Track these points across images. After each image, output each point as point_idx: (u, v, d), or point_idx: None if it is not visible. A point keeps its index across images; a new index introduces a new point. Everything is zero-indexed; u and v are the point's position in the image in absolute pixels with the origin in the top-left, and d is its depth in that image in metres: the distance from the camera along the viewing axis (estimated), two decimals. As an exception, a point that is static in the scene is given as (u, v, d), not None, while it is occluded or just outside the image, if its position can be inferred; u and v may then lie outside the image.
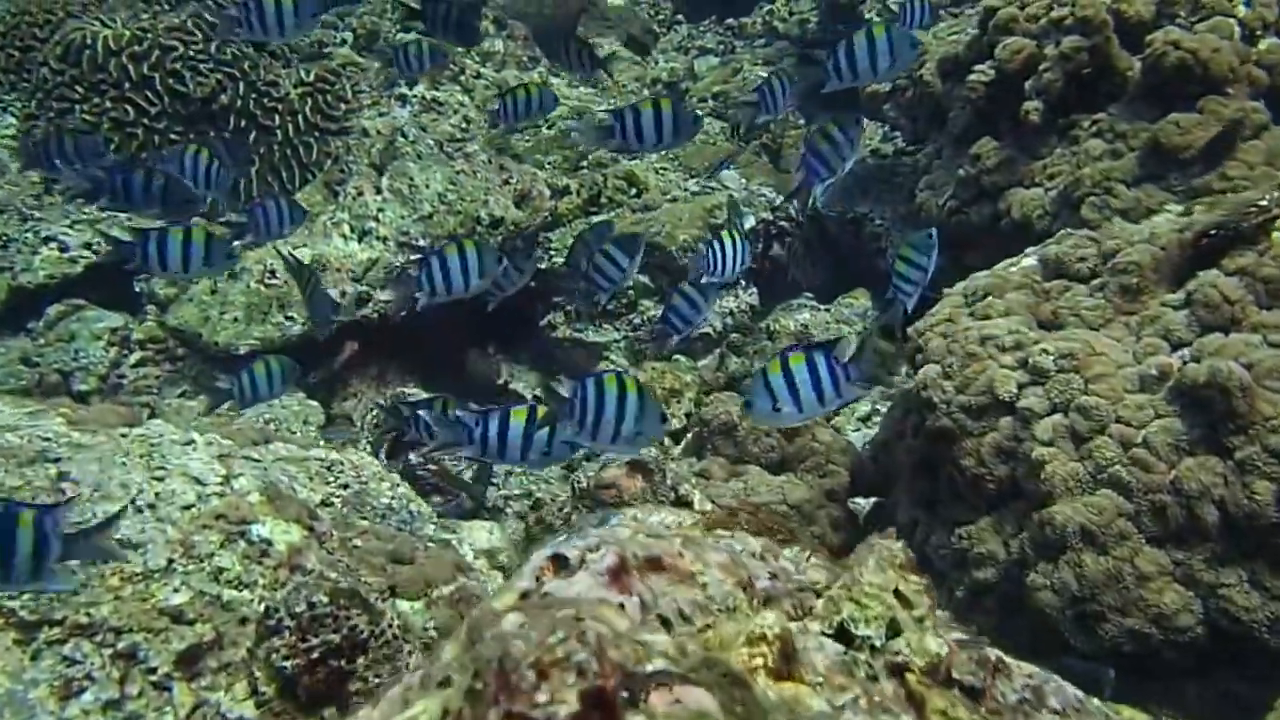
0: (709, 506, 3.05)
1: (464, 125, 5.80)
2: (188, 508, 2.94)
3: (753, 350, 4.20)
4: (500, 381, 5.01)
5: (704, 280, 3.39)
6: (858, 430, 3.92)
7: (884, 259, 4.71)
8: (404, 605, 3.02)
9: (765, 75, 3.82)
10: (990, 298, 2.86)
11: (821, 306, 4.39)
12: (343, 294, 4.52)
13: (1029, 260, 3.00)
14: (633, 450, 2.41)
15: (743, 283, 5.20)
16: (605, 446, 2.30)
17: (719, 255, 3.32)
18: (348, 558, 3.08)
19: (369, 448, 4.31)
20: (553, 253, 5.09)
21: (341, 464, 3.36)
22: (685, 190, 5.28)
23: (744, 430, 3.16)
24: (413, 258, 4.34)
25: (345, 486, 3.31)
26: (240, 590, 2.81)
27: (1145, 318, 2.59)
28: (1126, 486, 2.35)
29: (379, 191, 4.75)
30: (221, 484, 3.06)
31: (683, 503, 3.09)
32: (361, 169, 4.90)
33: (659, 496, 3.04)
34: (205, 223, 3.66)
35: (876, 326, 4.33)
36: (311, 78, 5.64)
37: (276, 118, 5.54)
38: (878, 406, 4.00)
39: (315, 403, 4.45)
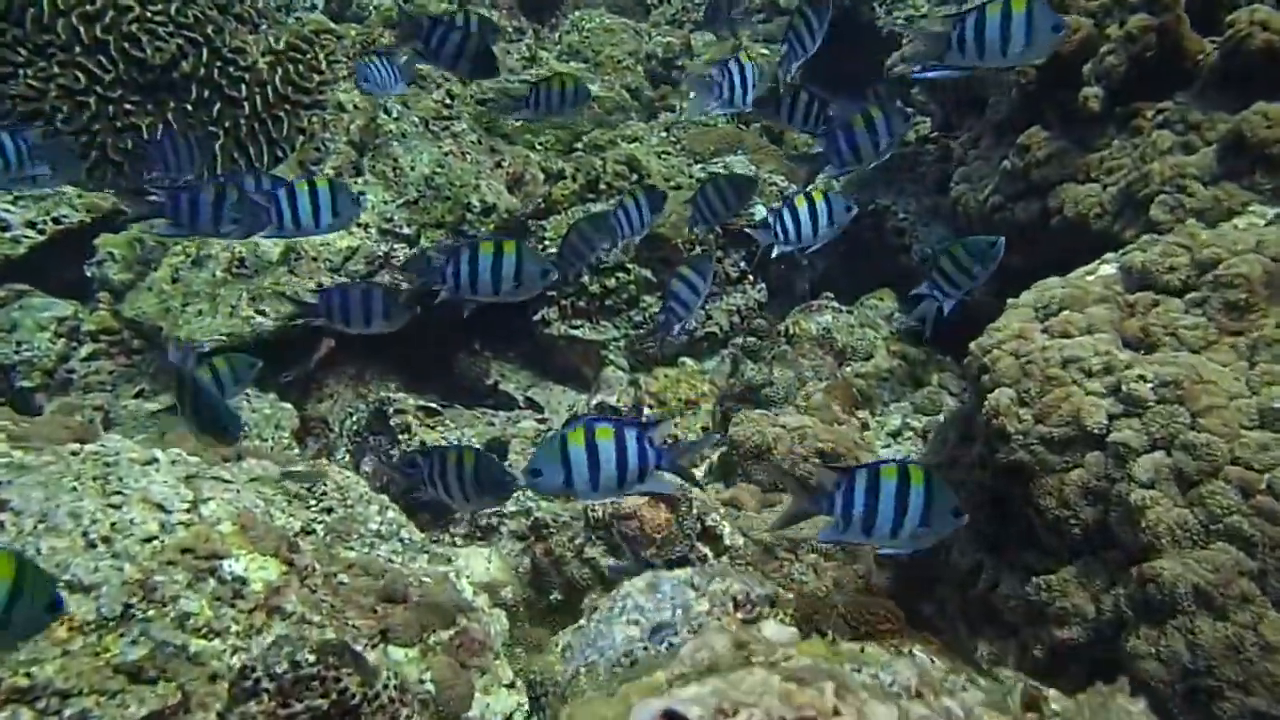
0: (740, 541, 2.71)
1: (448, 101, 5.37)
2: (149, 540, 2.56)
3: (770, 355, 3.85)
4: (490, 382, 4.63)
5: (775, 254, 3.00)
6: (887, 446, 3.59)
7: (909, 256, 4.37)
8: (398, 653, 2.66)
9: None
10: (1068, 311, 2.53)
11: (844, 309, 4.05)
12: (319, 284, 4.10)
13: (1108, 269, 2.67)
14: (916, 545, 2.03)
15: (750, 278, 4.86)
16: (885, 542, 1.94)
17: (792, 220, 2.90)
18: (333, 597, 2.71)
19: (348, 457, 3.92)
20: (547, 243, 4.70)
21: (324, 483, 2.97)
22: (690, 176, 4.91)
23: (779, 454, 2.81)
24: (443, 243, 3.92)
25: (328, 511, 2.93)
26: (210, 639, 2.44)
27: (1258, 340, 2.27)
28: (1248, 540, 2.03)
29: (359, 173, 4.34)
30: (188, 511, 2.68)
31: (711, 536, 2.74)
32: (339, 147, 4.47)
33: (685, 530, 2.69)
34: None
35: (903, 328, 4.00)
36: (282, 45, 5.19)
37: (243, 88, 5.09)
38: (909, 421, 3.67)
39: (288, 405, 4.04)
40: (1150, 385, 2.24)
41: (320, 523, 2.89)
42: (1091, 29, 3.45)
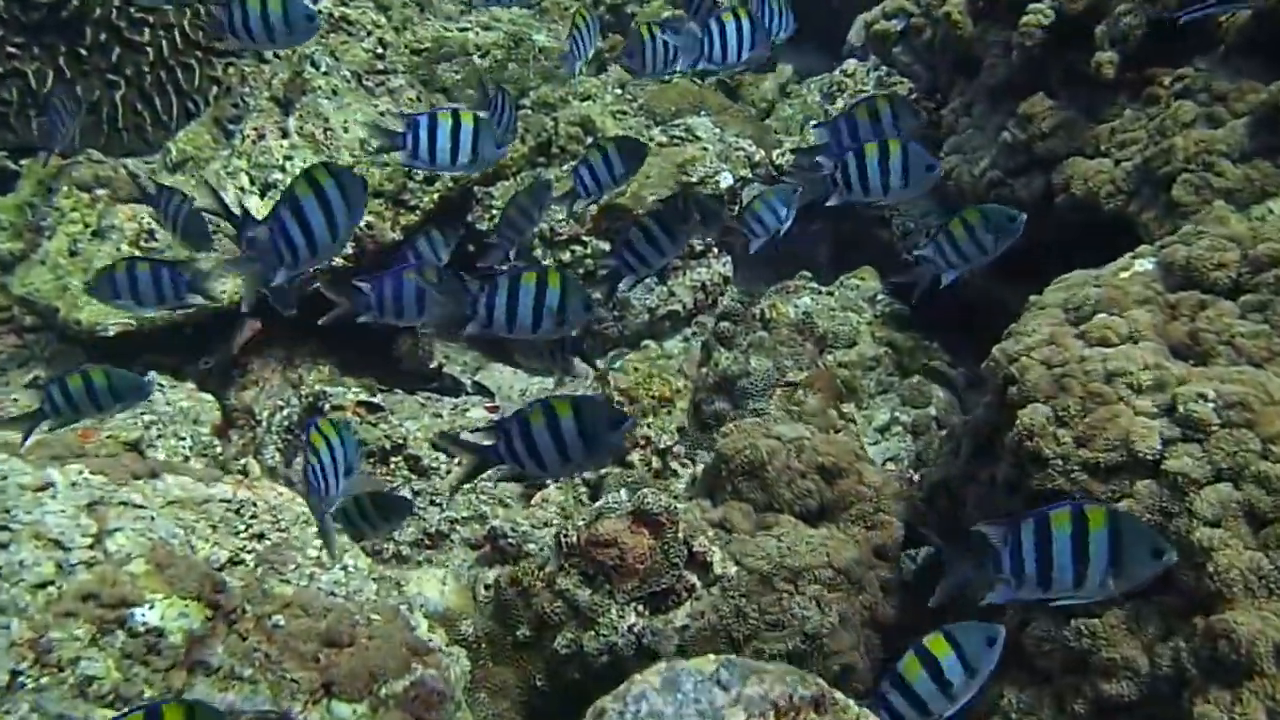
0: (732, 570, 2.40)
1: (379, 50, 4.88)
2: (43, 587, 2.16)
3: (746, 343, 3.52)
4: (434, 365, 4.23)
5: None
6: (876, 443, 3.31)
7: (889, 230, 4.07)
8: (343, 710, 2.30)
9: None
10: (1106, 315, 2.24)
11: (823, 289, 3.73)
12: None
13: (1144, 264, 2.39)
14: None
15: (714, 250, 4.52)
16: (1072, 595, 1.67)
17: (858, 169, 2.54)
18: (267, 644, 2.33)
19: (277, 456, 3.51)
20: (494, 212, 4.29)
21: (254, 505, 2.58)
22: (651, 140, 4.52)
23: (773, 471, 2.50)
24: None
25: (260, 537, 2.54)
26: (120, 708, 2.06)
27: (1333, 355, 2.01)
28: (1335, 592, 1.78)
29: (285, 134, 3.86)
30: (92, 547, 2.28)
31: (699, 563, 2.43)
32: (261, 104, 3.98)
33: (671, 558, 2.37)
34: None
35: (886, 309, 3.70)
36: (194, -10, 4.64)
37: (146, 31, 4.55)
38: (898, 415, 3.39)
39: (209, 396, 3.60)
40: (1212, 405, 1.97)
41: (251, 551, 2.50)
42: (1102, -14, 3.14)
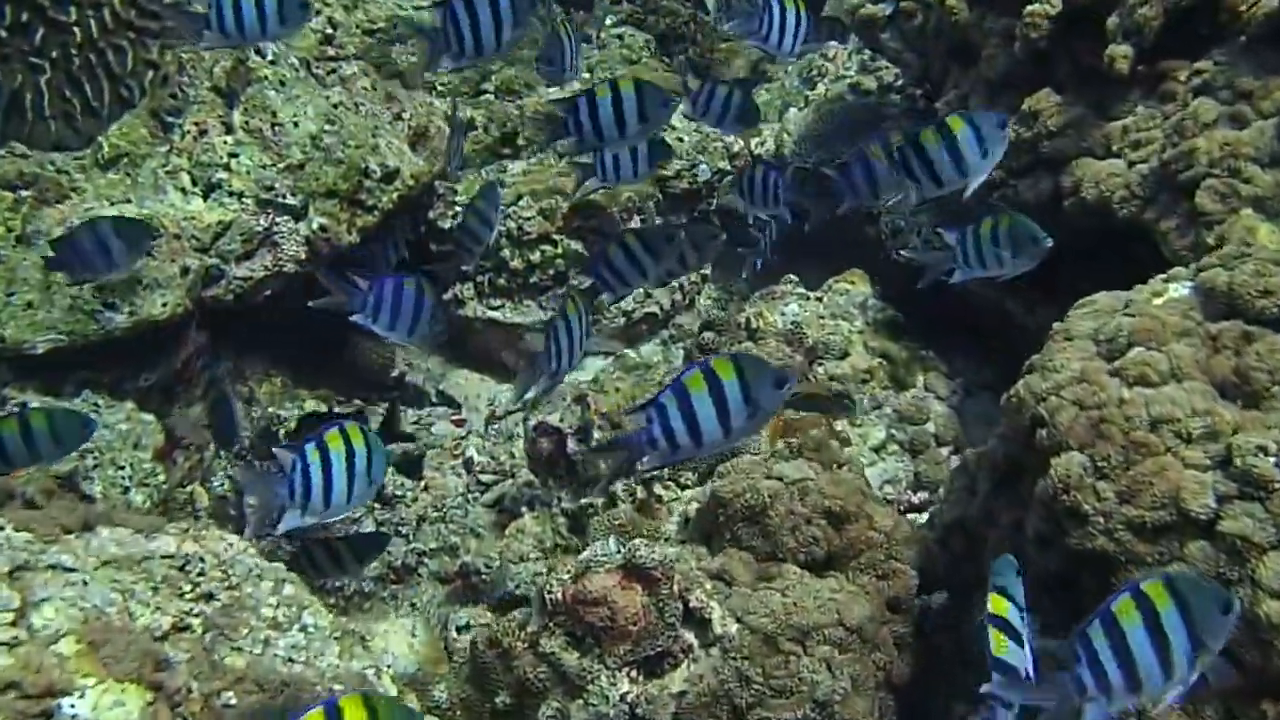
0: (733, 628, 2.19)
1: (329, 31, 4.54)
2: (-47, 676, 1.90)
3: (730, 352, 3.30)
4: (395, 373, 3.96)
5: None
6: (872, 463, 3.11)
7: (877, 228, 3.85)
8: (304, 805, 2.07)
9: None
10: (1143, 349, 2.04)
11: (811, 295, 3.51)
12: (184, 270, 3.34)
13: (1180, 289, 2.19)
14: None
15: (693, 244, 4.27)
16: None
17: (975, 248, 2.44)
18: (216, 729, 2.09)
19: (227, 484, 3.23)
20: (457, 210, 4.01)
21: (201, 560, 2.32)
22: (623, 128, 4.25)
23: (776, 516, 2.29)
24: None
25: (208, 597, 2.27)
26: (41, 825, 1.81)
27: (1404, 402, 1.83)
28: None
29: (229, 130, 3.54)
30: (14, 624, 2.02)
31: (696, 620, 2.22)
32: (202, 95, 3.65)
33: (666, 618, 2.15)
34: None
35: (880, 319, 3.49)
36: (125, -39, 4.26)
37: (73, 10, 4.16)
38: (894, 433, 3.19)
39: (149, 417, 3.30)
40: (1274, 460, 1.78)
41: (198, 615, 2.24)
42: (1114, -27, 2.92)
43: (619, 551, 2.23)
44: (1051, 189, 3.01)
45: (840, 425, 3.16)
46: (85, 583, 2.16)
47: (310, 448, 2.01)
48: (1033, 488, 2.07)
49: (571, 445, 3.01)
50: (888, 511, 2.38)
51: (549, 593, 2.23)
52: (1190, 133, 2.70)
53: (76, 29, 4.20)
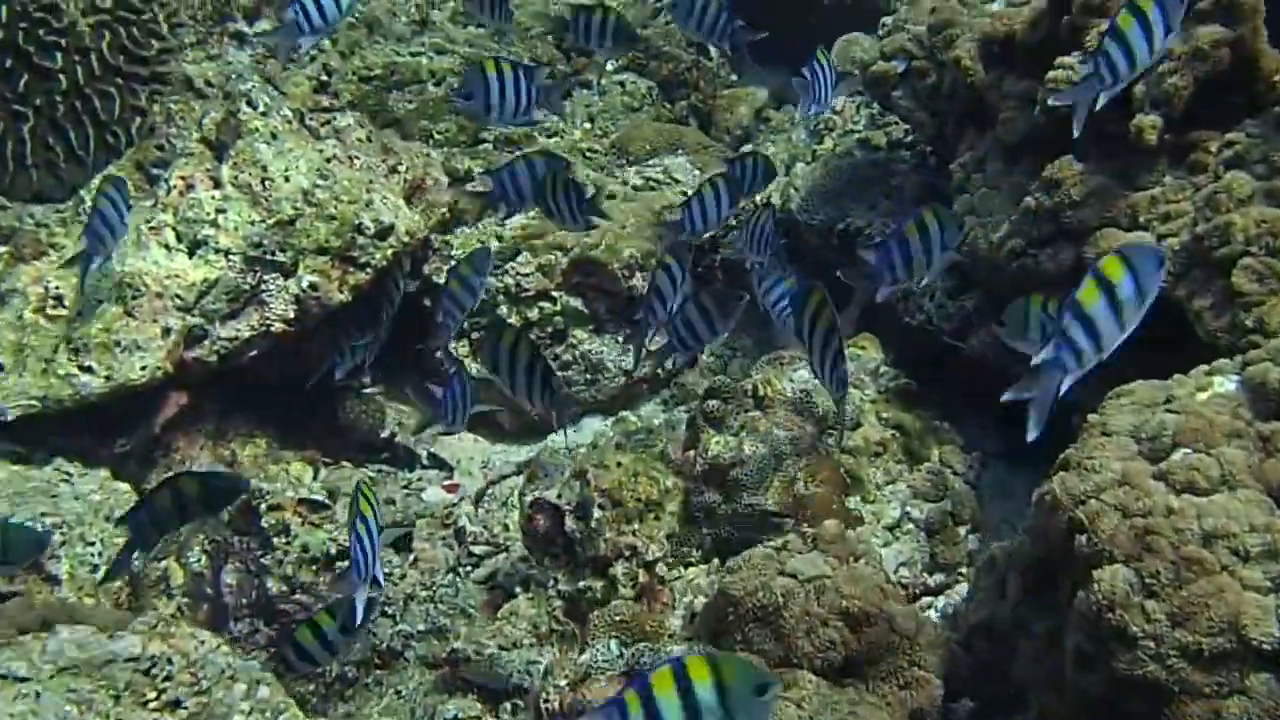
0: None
1: (324, 78, 4.43)
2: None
3: (737, 424, 3.14)
4: (385, 433, 3.80)
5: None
6: (886, 544, 2.95)
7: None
8: None
9: None
10: (1190, 451, 1.90)
11: (822, 359, 3.37)
12: (165, 330, 3.19)
13: (1224, 383, 2.05)
14: None
15: (695, 302, 4.13)
16: None
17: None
18: None
19: (204, 560, 3.05)
20: (454, 263, 3.87)
21: (169, 662, 2.15)
22: (625, 184, 4.13)
23: (791, 618, 2.13)
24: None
25: (175, 705, 2.11)
26: None
27: None
28: None
29: (218, 184, 3.40)
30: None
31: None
32: (190, 146, 3.52)
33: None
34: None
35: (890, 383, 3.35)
36: (110, 2, 4.16)
37: (59, 57, 4.05)
38: (909, 510, 3.04)
39: (123, 486, 3.14)
40: (1341, 583, 1.63)
41: (164, 724, 2.08)
42: (1139, 38, 2.81)
43: (620, 656, 2.07)
44: (1074, 260, 2.87)
45: (853, 503, 3.01)
46: (38, 694, 1.99)
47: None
48: (1070, 596, 1.91)
49: (569, 523, 2.85)
50: (909, 612, 2.22)
51: (545, 701, 2.07)
52: (1224, 207, 2.58)
53: (62, 75, 4.09)
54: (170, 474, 2.92)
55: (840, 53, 5.57)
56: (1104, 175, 2.88)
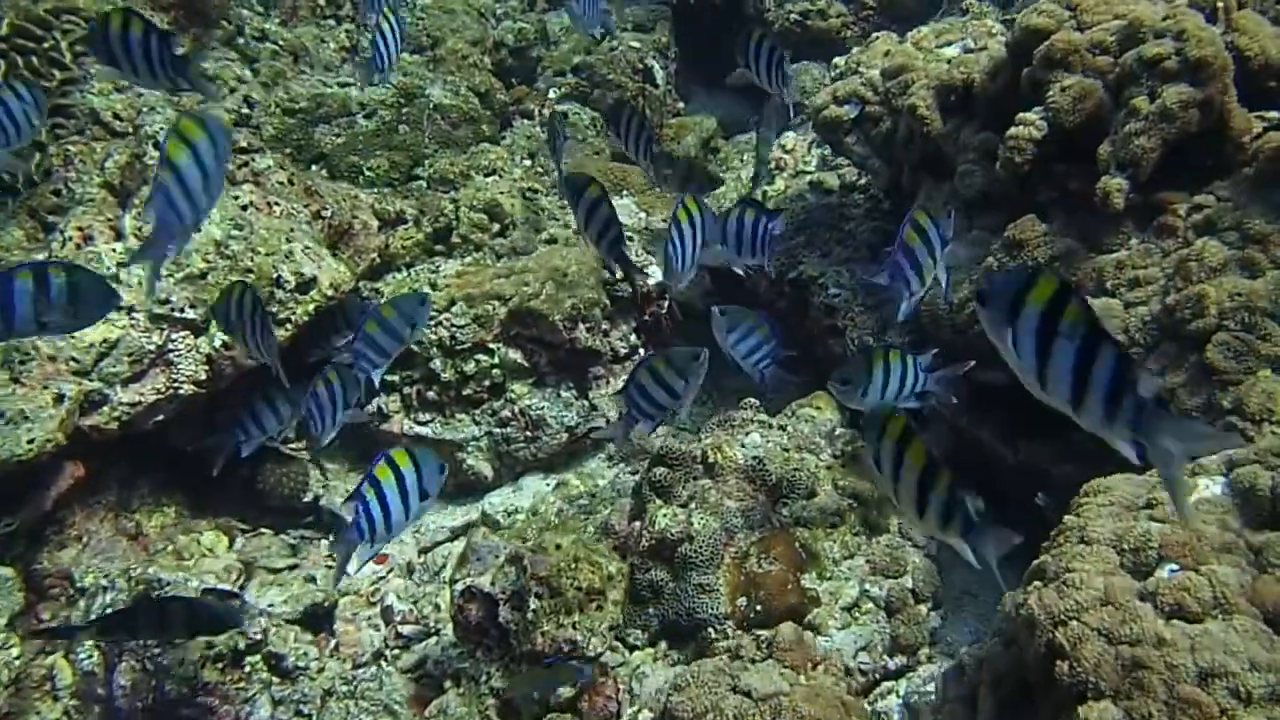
0: None
1: (244, 111, 4.16)
2: None
3: (686, 494, 2.94)
4: (308, 498, 3.53)
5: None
6: (844, 626, 2.76)
7: (841, 341, 3.55)
8: None
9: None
10: (1176, 569, 1.73)
11: (773, 422, 3.19)
12: (57, 398, 2.91)
13: (1212, 487, 1.89)
14: None
15: (642, 350, 3.94)
16: None
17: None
18: None
19: (95, 656, 2.77)
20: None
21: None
22: (567, 226, 3.91)
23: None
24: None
25: None
26: None
27: None
28: None
29: (120, 235, 3.13)
30: None
31: None
32: (90, 192, 3.23)
33: None
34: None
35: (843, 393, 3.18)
36: (6, 30, 3.85)
37: (-50, 89, 3.74)
38: (868, 588, 2.86)
39: (7, 572, 2.84)
40: (1352, 732, 1.47)
41: None
42: (1103, 95, 2.68)
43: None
44: (1039, 325, 2.72)
45: (809, 580, 2.83)
46: None
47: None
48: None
49: (504, 613, 2.63)
50: (873, 731, 2.03)
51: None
52: (1196, 276, 2.44)
53: (-47, 108, 3.77)
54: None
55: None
56: (1068, 237, 2.73)
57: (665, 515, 2.92)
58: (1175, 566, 1.73)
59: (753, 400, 3.29)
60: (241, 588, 3.13)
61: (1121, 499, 1.92)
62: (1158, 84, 2.56)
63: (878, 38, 3.63)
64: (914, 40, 3.44)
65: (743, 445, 3.11)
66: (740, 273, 3.11)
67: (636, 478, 3.28)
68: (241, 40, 4.38)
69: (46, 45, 3.95)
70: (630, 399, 2.68)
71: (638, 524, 3.04)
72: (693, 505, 2.95)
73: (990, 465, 3.08)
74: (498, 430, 3.63)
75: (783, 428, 3.22)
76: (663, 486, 3.03)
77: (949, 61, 3.25)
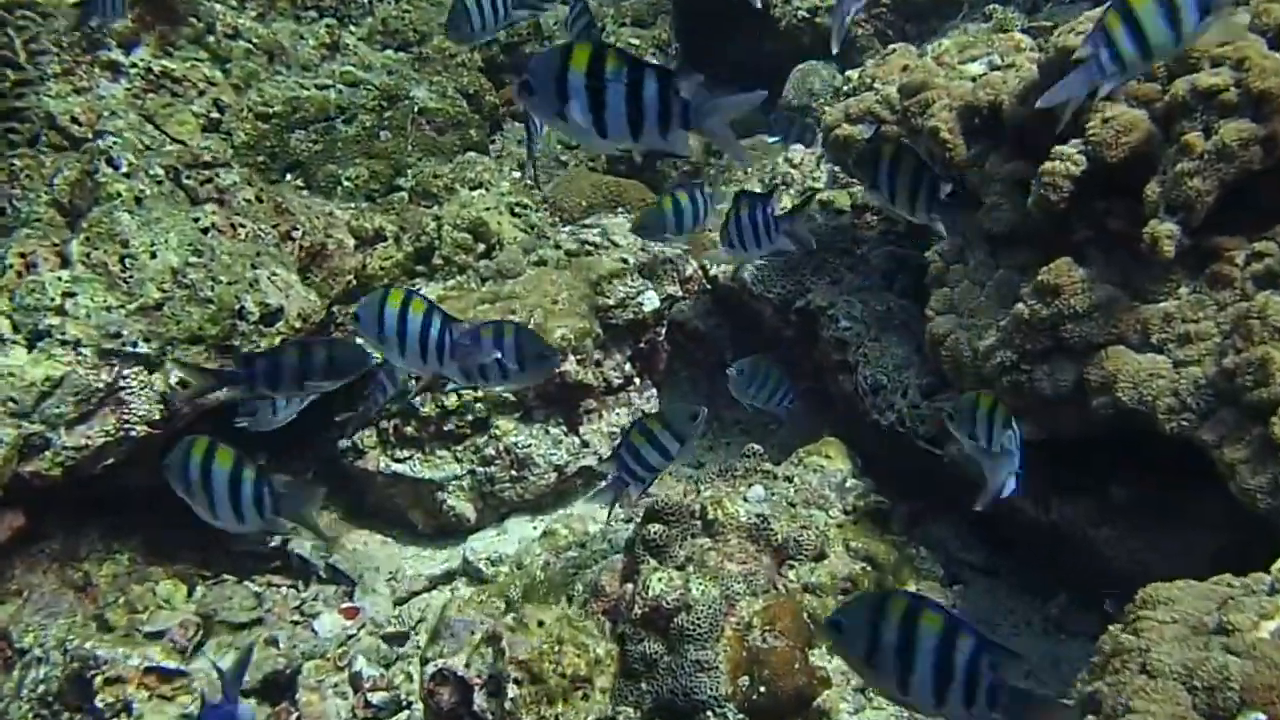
0: None
1: (213, 114, 3.88)
2: None
3: (683, 555, 2.69)
4: (273, 542, 3.27)
5: None
6: (857, 711, 2.52)
7: (852, 378, 3.29)
8: None
9: None
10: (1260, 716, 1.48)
11: (778, 473, 2.94)
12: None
13: (1291, 606, 1.64)
14: None
15: (636, 382, 3.67)
16: None
17: None
18: None
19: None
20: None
21: None
22: (558, 247, 3.64)
23: None
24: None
25: None
26: None
27: None
28: None
29: (66, 263, 2.85)
30: None
31: None
32: (37, 211, 2.95)
33: None
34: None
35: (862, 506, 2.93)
36: (-47, 26, 3.58)
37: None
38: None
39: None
40: None
41: None
42: (1151, 127, 2.41)
43: None
44: (1074, 380, 2.47)
45: (818, 656, 2.58)
46: None
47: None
48: None
49: (479, 700, 2.37)
50: None
51: None
52: (1257, 336, 2.18)
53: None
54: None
55: (797, 84, 5.15)
56: (1109, 284, 2.47)
57: (660, 580, 2.66)
58: (1262, 716, 1.48)
59: (755, 447, 3.03)
60: (198, 647, 2.89)
61: (1188, 616, 1.67)
62: (1214, 118, 2.29)
63: (894, 50, 3.35)
64: (935, 55, 3.16)
65: (745, 500, 2.85)
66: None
67: (630, 527, 3.02)
68: (212, 38, 4.08)
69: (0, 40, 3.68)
70: (621, 461, 2.47)
71: (630, 586, 2.78)
72: (690, 568, 2.69)
73: (1016, 521, 2.84)
74: (481, 469, 3.37)
75: (789, 479, 2.96)
76: (657, 545, 2.77)
77: (973, 80, 2.98)
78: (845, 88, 3.38)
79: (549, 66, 1.62)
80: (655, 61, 3.21)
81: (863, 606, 1.57)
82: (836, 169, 3.82)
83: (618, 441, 2.61)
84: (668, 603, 2.61)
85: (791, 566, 2.75)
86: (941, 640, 1.48)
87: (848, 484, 2.97)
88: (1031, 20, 3.28)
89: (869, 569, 2.75)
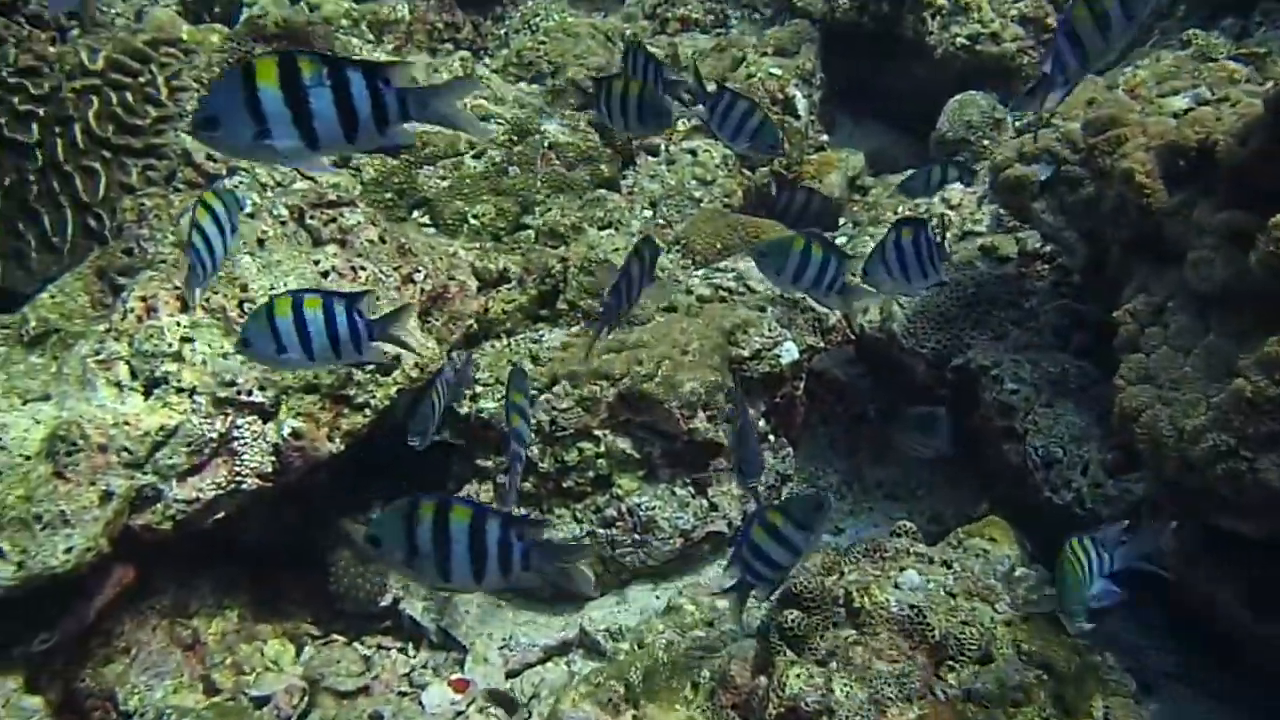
0: None
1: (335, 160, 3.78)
2: None
3: (825, 649, 2.38)
4: (385, 602, 3.10)
5: None
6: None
7: (1021, 447, 2.91)
8: None
9: None
10: None
11: (933, 557, 2.60)
12: (104, 495, 2.54)
13: None
14: None
15: (772, 437, 3.38)
16: None
17: None
18: None
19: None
20: (478, 395, 3.17)
21: None
22: (689, 292, 3.39)
23: None
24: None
25: None
26: None
27: None
28: None
29: (185, 306, 2.75)
30: None
31: None
32: (162, 253, 2.87)
33: None
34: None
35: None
36: (100, 64, 3.58)
37: (35, 128, 3.48)
38: None
39: (33, 702, 2.47)
40: None
41: None
42: None
43: None
44: (1312, 475, 2.06)
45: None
46: None
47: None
48: None
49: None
50: None
51: None
52: None
53: (39, 152, 3.51)
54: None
55: (953, 116, 4.75)
56: (1359, 361, 2.06)
57: (799, 676, 2.36)
58: None
59: (908, 525, 2.70)
60: (302, 717, 2.73)
61: None
62: None
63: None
64: (1127, 86, 2.78)
65: (896, 587, 2.52)
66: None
67: (763, 611, 2.73)
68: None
69: (142, 80, 3.67)
70: (742, 562, 2.22)
71: (763, 679, 2.49)
72: (833, 665, 2.38)
73: (1219, 621, 2.43)
74: (601, 531, 3.12)
75: (947, 564, 2.61)
76: (795, 635, 2.47)
77: (1176, 116, 2.60)
78: (1018, 123, 3.03)
79: (229, 90, 1.44)
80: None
81: (396, 515, 1.72)
82: (1003, 212, 3.45)
83: (737, 539, 2.33)
84: (807, 704, 2.31)
85: (951, 669, 2.41)
86: (472, 527, 1.70)
87: (1017, 572, 2.60)
88: (1240, 46, 2.86)
89: (1045, 678, 2.38)
